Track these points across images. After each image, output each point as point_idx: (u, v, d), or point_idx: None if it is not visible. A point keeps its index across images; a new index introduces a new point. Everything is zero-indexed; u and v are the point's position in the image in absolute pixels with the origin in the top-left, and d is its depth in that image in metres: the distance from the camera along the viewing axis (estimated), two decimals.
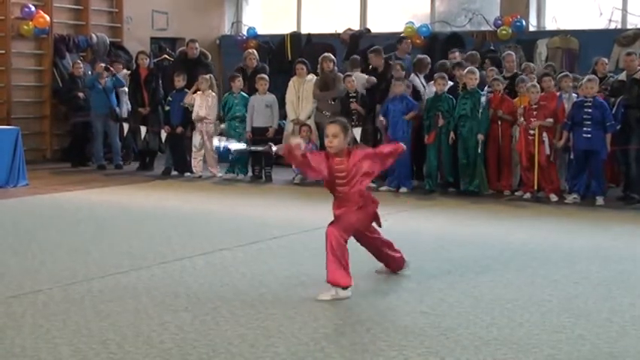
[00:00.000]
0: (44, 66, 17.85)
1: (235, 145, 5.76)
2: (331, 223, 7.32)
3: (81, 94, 16.85)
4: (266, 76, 15.22)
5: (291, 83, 15.22)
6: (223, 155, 15.60)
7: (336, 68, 15.13)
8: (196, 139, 15.34)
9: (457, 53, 15.62)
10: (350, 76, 14.43)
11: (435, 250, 9.20)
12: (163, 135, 15.62)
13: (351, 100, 14.25)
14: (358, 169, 7.19)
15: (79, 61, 17.45)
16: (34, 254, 8.69)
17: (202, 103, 15.25)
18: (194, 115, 15.26)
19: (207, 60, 16.78)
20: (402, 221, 11.06)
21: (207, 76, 15.54)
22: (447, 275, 8.03)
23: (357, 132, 14.03)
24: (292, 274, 8.00)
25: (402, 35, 17.13)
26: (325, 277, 7.18)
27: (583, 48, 16.90)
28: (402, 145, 7.67)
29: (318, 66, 15.12)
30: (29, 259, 8.45)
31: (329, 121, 7.32)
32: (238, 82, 15.21)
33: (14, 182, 13.78)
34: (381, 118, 13.82)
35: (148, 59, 16.59)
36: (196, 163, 15.44)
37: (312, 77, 15.11)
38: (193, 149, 15.45)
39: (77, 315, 6.53)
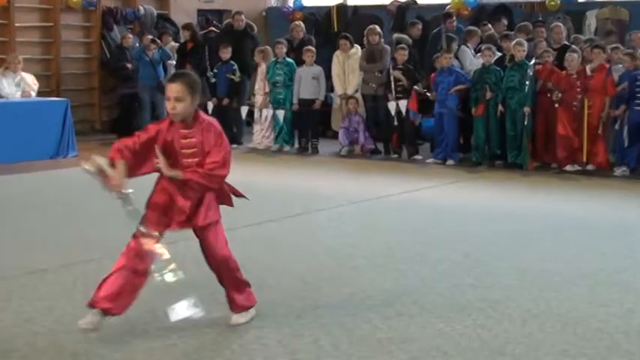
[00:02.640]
0: (92, 38, 17.96)
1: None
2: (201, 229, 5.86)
3: (129, 66, 16.95)
4: (313, 48, 15.19)
5: (335, 58, 15.16)
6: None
7: (382, 40, 15.05)
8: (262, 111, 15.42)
9: (502, 24, 15.50)
10: (403, 48, 14.31)
11: (481, 223, 9.16)
12: (210, 107, 15.66)
13: (398, 71, 14.17)
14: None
15: (129, 33, 17.54)
16: (84, 224, 8.79)
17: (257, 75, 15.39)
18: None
19: (253, 32, 16.76)
20: (449, 193, 11.05)
21: (263, 48, 15.59)
22: (493, 247, 8.00)
23: (403, 104, 13.99)
24: (339, 246, 8.01)
25: (448, 11, 16.93)
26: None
27: (633, 19, 16.64)
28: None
29: (365, 38, 15.04)
30: (79, 230, 8.56)
31: (169, 79, 5.60)
32: (282, 48, 15.18)
33: (64, 153, 13.95)
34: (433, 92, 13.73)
35: (195, 31, 16.61)
36: (258, 135, 15.47)
37: (356, 50, 15.05)
38: (255, 121, 15.56)
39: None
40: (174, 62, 16.56)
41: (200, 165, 5.42)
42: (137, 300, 5.58)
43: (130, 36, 17.33)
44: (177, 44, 17.08)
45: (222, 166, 5.50)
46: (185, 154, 5.46)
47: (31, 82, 14.57)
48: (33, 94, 14.45)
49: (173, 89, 5.34)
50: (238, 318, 5.73)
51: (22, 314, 5.85)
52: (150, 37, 16.71)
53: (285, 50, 15.20)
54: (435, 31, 15.44)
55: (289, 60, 15.20)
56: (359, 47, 15.08)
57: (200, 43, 16.27)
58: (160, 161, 5.42)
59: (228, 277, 5.78)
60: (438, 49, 14.46)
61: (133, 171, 5.56)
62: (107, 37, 17.92)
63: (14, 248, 7.71)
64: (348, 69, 14.96)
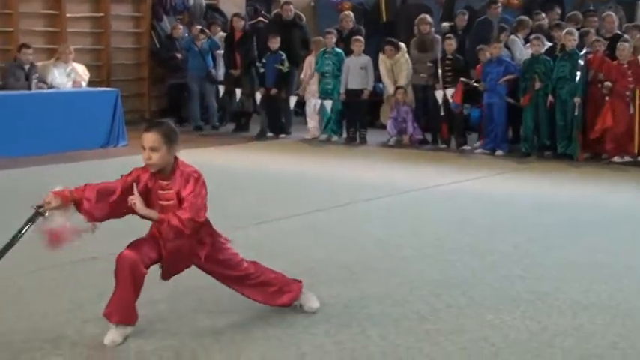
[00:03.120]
0: (142, 28, 18.09)
1: None
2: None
3: (179, 56, 17.05)
4: (361, 38, 15.16)
5: (382, 63, 15.12)
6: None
7: (433, 30, 14.98)
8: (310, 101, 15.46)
9: (555, 12, 15.35)
10: (450, 38, 14.24)
11: (530, 214, 9.10)
12: (258, 97, 15.71)
13: (446, 61, 14.10)
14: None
15: (179, 23, 17.64)
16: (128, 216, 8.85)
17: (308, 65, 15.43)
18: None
19: (301, 22, 16.75)
20: (497, 184, 10.99)
21: (319, 39, 15.63)
22: (543, 239, 7.94)
23: (449, 92, 13.93)
24: (387, 236, 8.00)
25: None
26: None
27: None
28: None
29: (415, 27, 14.97)
30: (127, 218, 8.61)
31: (144, 129, 5.35)
32: (332, 38, 15.17)
33: (114, 142, 14.08)
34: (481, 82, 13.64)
35: (243, 21, 16.66)
36: (312, 125, 15.50)
37: (402, 54, 15.00)
38: (307, 111, 15.61)
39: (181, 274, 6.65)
40: (223, 52, 16.62)
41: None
42: (180, 288, 5.62)
43: (181, 26, 17.44)
44: (225, 34, 17.14)
45: (196, 212, 5.19)
46: (163, 207, 5.20)
47: (82, 72, 14.70)
48: (84, 84, 14.59)
49: (148, 139, 5.14)
50: (306, 302, 5.74)
51: (73, 301, 5.92)
52: (199, 27, 16.80)
53: (334, 40, 15.19)
54: (478, 19, 15.31)
55: (338, 50, 15.18)
56: (404, 48, 15.01)
57: (248, 34, 16.31)
58: (136, 198, 5.19)
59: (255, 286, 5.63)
60: (488, 37, 14.33)
61: (105, 213, 5.36)
62: (157, 27, 18.03)
63: None
64: (396, 70, 14.94)
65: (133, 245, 5.25)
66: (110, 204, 5.29)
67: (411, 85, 14.81)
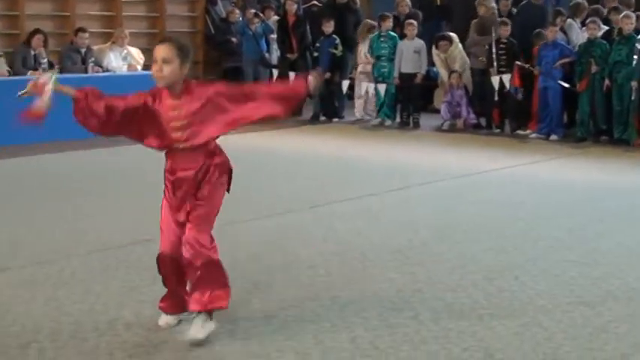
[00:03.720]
0: (197, 12, 18.17)
1: None
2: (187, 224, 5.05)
3: (234, 40, 17.10)
4: (414, 22, 15.07)
5: (436, 57, 15.08)
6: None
7: (495, 12, 14.82)
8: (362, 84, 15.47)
9: None
10: (505, 23, 14.08)
11: (585, 199, 9.01)
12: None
13: (501, 45, 13.97)
14: (208, 112, 4.95)
15: (234, 7, 17.69)
16: None
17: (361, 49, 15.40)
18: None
19: (355, 6, 16.69)
20: (552, 169, 10.90)
21: (367, 21, 15.61)
22: (597, 224, 7.87)
23: (506, 78, 13.81)
24: (440, 220, 7.98)
25: None
26: None
27: None
28: (307, 84, 5.10)
29: (478, 9, 14.81)
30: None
31: (159, 40, 5.12)
32: (388, 23, 15.14)
33: None
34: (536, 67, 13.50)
35: (297, 5, 16.65)
36: (358, 108, 15.52)
37: (455, 46, 14.92)
38: (356, 94, 15.61)
39: (228, 257, 6.64)
40: (276, 36, 16.65)
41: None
42: (234, 271, 5.63)
43: (237, 10, 17.48)
44: (279, 18, 17.15)
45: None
46: (173, 128, 4.89)
47: (137, 55, 14.82)
48: (139, 67, 14.70)
49: (161, 50, 4.89)
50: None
51: (127, 283, 5.98)
52: (253, 10, 16.83)
53: (391, 25, 15.15)
54: (522, 4, 15.09)
55: (393, 34, 15.13)
56: (457, 40, 14.93)
57: (302, 17, 16.31)
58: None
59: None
60: (536, 22, 14.15)
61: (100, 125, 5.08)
62: (211, 11, 18.10)
63: (122, 219, 7.87)
64: (450, 62, 14.88)
65: (164, 237, 5.13)
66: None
67: (468, 69, 14.72)
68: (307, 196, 8.97)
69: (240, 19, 17.41)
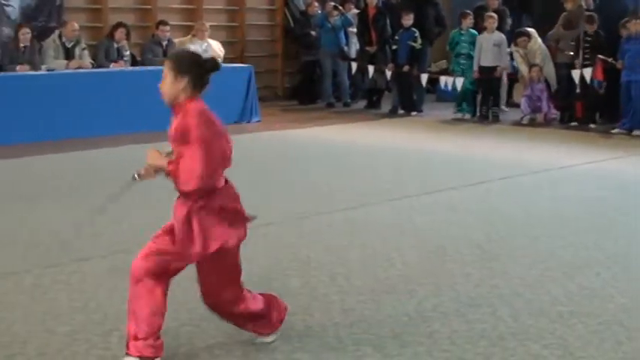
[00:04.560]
0: (276, 5, 18.25)
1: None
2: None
3: (313, 33, 17.14)
4: (495, 15, 14.94)
5: (515, 53, 14.93)
6: (450, 95, 15.57)
7: (583, 6, 14.59)
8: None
9: None
10: (592, 18, 13.84)
11: None
12: (389, 73, 15.68)
13: (587, 39, 13.75)
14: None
15: (314, 0, 17.72)
16: (267, 188, 8.99)
17: None
18: None
19: None
20: (635, 165, 10.72)
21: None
22: None
23: (587, 72, 13.61)
24: (519, 215, 7.91)
25: None
26: None
27: None
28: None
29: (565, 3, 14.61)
30: (262, 193, 8.75)
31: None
32: (469, 20, 15.05)
33: (247, 118, 14.29)
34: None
35: None
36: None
37: (535, 41, 14.73)
38: None
39: (307, 248, 6.73)
40: (356, 29, 16.64)
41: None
42: (312, 263, 5.64)
43: (316, 3, 17.51)
44: (358, 11, 17.14)
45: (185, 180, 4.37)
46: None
47: (218, 48, 14.95)
48: (219, 60, 14.81)
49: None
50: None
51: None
52: (332, 3, 16.84)
53: (472, 22, 15.06)
54: None
55: (473, 31, 15.05)
56: (536, 36, 14.75)
57: (382, 10, 16.28)
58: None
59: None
60: (618, 14, 13.90)
61: None
62: (290, 4, 18.16)
63: None
64: (530, 57, 14.72)
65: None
66: None
67: (549, 62, 14.55)
68: (385, 190, 8.96)
69: (319, 12, 17.44)
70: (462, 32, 15.06)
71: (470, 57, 14.89)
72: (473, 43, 14.88)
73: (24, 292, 5.66)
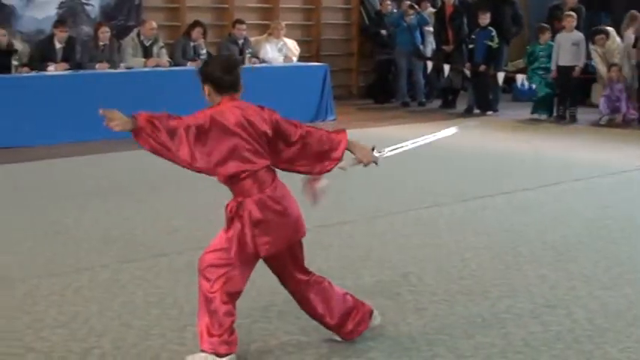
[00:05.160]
0: (352, 4, 18.26)
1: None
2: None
3: (384, 32, 17.13)
4: (573, 13, 14.76)
5: (593, 52, 14.74)
6: (526, 95, 15.43)
7: None
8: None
9: None
10: None
11: None
12: (465, 73, 15.59)
13: None
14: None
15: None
16: (340, 187, 8.98)
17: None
18: None
19: None
20: None
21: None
22: None
23: None
24: (596, 217, 7.81)
25: None
26: None
27: None
28: None
29: None
30: (335, 192, 8.75)
31: None
32: (547, 35, 14.89)
33: (322, 117, 14.32)
34: None
35: None
36: None
37: (613, 40, 14.52)
38: None
39: (380, 247, 6.73)
40: (432, 28, 16.57)
41: None
42: (384, 263, 5.62)
43: (389, 2, 17.48)
44: (434, 10, 17.07)
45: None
46: None
47: (293, 47, 15.01)
48: (294, 59, 14.89)
49: None
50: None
51: None
52: (408, 2, 16.79)
53: (549, 37, 14.92)
54: None
55: (551, 43, 14.88)
56: (614, 34, 14.53)
57: (459, 9, 16.18)
58: None
59: None
60: None
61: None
62: (366, 2, 18.17)
63: None
64: (608, 56, 14.51)
65: None
66: None
67: (635, 62, 14.32)
68: (459, 189, 8.91)
69: (395, 10, 17.40)
70: (541, 46, 14.89)
71: (548, 70, 14.68)
72: (550, 56, 14.71)
73: (100, 286, 5.76)
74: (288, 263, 4.62)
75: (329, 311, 4.67)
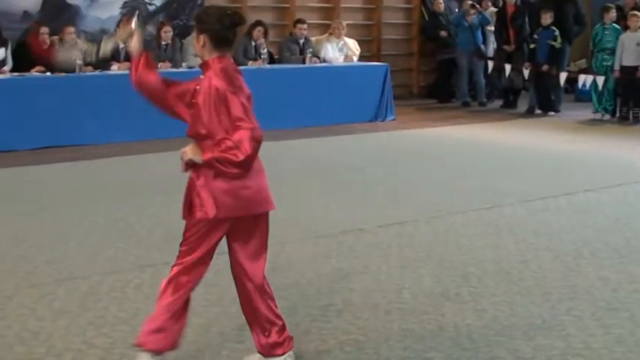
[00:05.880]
0: (413, 4, 18.21)
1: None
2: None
3: (444, 32, 17.06)
4: (638, 13, 14.56)
5: None
6: (588, 94, 15.25)
7: None
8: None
9: None
10: None
11: None
12: (526, 73, 15.46)
13: None
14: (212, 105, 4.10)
15: None
16: (400, 186, 8.99)
17: None
18: None
19: None
20: None
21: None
22: None
23: None
24: None
25: None
26: None
27: None
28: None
29: None
30: (395, 191, 8.76)
31: None
32: (612, 13, 14.71)
33: (382, 117, 14.30)
34: None
35: None
36: None
37: None
38: None
39: (440, 247, 6.71)
40: (494, 28, 16.46)
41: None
42: (445, 263, 5.61)
43: (441, 1, 17.40)
44: (496, 9, 16.96)
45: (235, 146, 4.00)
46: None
47: (354, 46, 15.00)
48: (355, 58, 14.89)
49: None
50: None
51: (340, 271, 6.07)
52: (469, 2, 16.70)
53: (615, 16, 14.72)
54: None
55: (616, 26, 14.71)
56: None
57: (521, 9, 16.05)
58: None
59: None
60: None
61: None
62: (427, 2, 18.10)
63: (335, 208, 8.01)
64: None
65: None
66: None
67: None
68: (520, 190, 8.84)
69: (456, 10, 17.32)
70: (606, 26, 14.72)
71: (614, 52, 14.50)
72: (617, 38, 14.52)
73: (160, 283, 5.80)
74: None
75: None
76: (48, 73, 11.62)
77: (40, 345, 4.73)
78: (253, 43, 13.87)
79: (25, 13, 13.25)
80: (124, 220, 7.51)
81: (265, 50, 13.89)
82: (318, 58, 14.40)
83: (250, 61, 13.54)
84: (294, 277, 5.91)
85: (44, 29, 12.11)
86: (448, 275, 6.01)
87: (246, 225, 4.25)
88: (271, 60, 14.14)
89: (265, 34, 14.03)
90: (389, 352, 4.67)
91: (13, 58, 11.99)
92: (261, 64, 13.61)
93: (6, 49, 11.87)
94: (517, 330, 4.99)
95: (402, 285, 5.75)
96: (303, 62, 14.13)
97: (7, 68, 11.77)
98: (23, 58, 11.92)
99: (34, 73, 11.64)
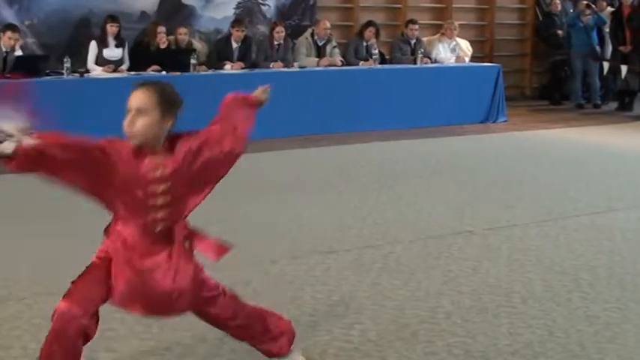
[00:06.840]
0: (527, 4, 18.00)
1: None
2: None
3: (559, 32, 16.80)
4: None
5: None
6: None
7: None
8: None
9: None
10: None
11: None
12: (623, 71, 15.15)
13: None
14: (204, 164, 3.86)
15: None
16: (511, 188, 8.90)
17: None
18: None
19: None
20: None
21: None
22: None
23: None
24: None
25: None
26: None
27: None
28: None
29: None
30: (507, 194, 8.67)
31: (135, 85, 3.72)
32: None
33: (494, 118, 14.16)
34: None
35: None
36: None
37: None
38: None
39: (551, 252, 6.62)
40: (609, 28, 16.16)
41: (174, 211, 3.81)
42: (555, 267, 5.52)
43: (558, 1, 17.14)
44: (613, 9, 16.64)
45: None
46: (153, 193, 3.73)
47: (466, 47, 14.90)
48: (466, 59, 14.78)
49: (136, 98, 3.65)
50: None
51: (449, 273, 6.05)
52: (585, 2, 16.43)
53: None
54: None
55: None
56: None
57: (637, 9, 15.71)
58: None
59: None
60: None
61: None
62: (542, 2, 17.87)
63: (444, 209, 7.97)
64: None
65: None
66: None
67: None
68: (635, 195, 8.66)
69: (571, 10, 17.05)
70: None
71: None
72: None
73: (269, 280, 5.88)
74: None
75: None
76: (163, 72, 11.84)
77: None
78: (365, 44, 13.89)
79: (143, 13, 13.54)
80: (234, 216, 7.59)
81: (377, 50, 13.89)
82: (430, 58, 14.35)
83: (361, 61, 13.57)
84: (403, 278, 5.90)
85: (161, 28, 12.35)
86: (559, 280, 5.92)
87: None
88: (382, 60, 14.15)
89: (377, 35, 14.04)
90: (496, 356, 4.63)
91: (130, 57, 12.26)
92: (373, 64, 13.62)
93: (123, 49, 12.15)
94: (630, 338, 4.89)
95: (511, 289, 5.69)
96: (415, 62, 14.09)
97: (124, 67, 12.06)
98: (140, 58, 12.18)
99: (150, 72, 11.89)
